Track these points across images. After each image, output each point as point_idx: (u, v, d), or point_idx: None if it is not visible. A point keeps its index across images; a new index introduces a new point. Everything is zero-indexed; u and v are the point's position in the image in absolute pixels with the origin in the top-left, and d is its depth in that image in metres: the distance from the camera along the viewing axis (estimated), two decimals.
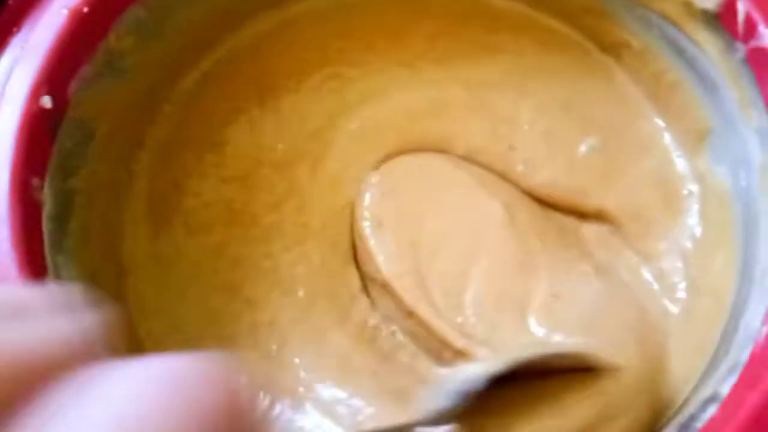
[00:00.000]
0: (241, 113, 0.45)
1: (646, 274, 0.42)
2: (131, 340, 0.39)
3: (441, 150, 0.45)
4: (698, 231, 0.42)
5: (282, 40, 0.47)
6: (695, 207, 0.43)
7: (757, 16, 0.36)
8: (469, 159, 0.44)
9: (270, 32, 0.47)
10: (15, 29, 0.37)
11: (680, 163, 0.44)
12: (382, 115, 0.45)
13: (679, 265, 0.41)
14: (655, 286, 0.41)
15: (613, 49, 0.46)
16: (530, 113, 0.45)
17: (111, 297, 0.37)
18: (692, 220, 0.43)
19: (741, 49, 0.37)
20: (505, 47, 0.47)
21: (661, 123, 0.45)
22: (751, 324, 0.33)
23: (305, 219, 0.43)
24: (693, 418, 0.32)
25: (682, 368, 0.38)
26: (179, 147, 0.44)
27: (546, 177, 0.44)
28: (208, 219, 0.43)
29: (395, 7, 0.48)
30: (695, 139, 0.43)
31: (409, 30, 0.47)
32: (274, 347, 0.40)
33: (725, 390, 0.31)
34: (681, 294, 0.41)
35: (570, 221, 0.44)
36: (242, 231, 0.43)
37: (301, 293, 0.41)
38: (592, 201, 0.43)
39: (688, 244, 0.42)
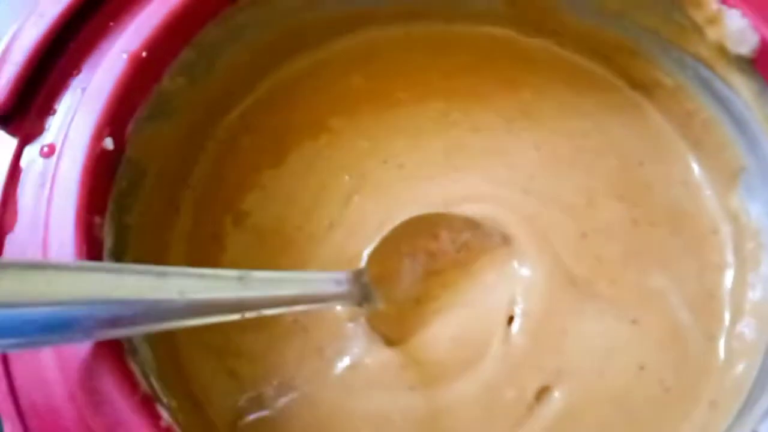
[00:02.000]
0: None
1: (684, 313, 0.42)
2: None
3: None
4: (732, 269, 0.43)
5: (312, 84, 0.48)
6: (728, 245, 0.44)
7: None
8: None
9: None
10: (75, 72, 0.38)
11: (712, 202, 0.45)
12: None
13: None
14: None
15: (644, 87, 0.48)
16: (555, 147, 0.46)
17: None
18: (725, 259, 0.43)
19: None
20: (531, 84, 0.48)
21: (693, 161, 0.46)
22: None
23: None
24: None
25: (723, 404, 0.38)
26: (218, 186, 0.46)
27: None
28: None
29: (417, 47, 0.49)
30: (728, 178, 0.44)
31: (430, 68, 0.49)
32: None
33: (764, 429, 0.31)
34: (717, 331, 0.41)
35: None
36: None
37: None
38: None
39: (725, 282, 0.43)
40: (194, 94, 0.43)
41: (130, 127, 0.38)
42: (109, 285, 0.30)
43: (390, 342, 0.40)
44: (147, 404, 0.31)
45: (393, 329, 0.41)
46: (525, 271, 0.42)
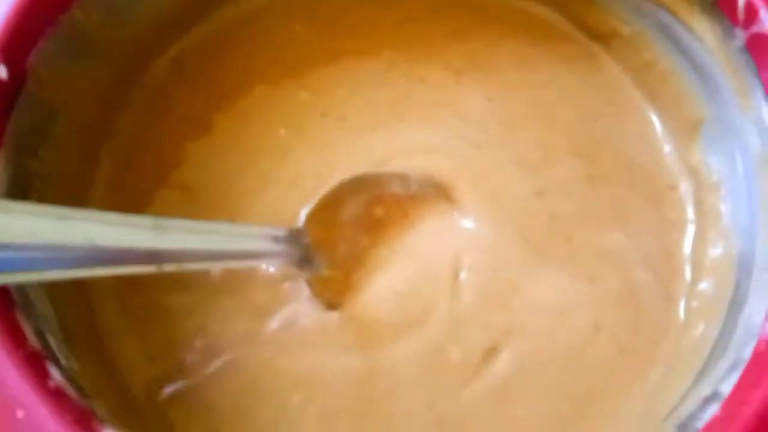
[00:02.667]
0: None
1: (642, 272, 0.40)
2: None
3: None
4: (692, 225, 0.41)
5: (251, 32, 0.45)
6: (688, 201, 0.41)
7: (758, 1, 0.34)
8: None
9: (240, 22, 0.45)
10: None
11: (671, 157, 0.43)
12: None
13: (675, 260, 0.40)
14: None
15: (601, 36, 0.45)
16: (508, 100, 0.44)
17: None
18: (685, 216, 0.41)
19: (740, 35, 0.36)
20: (485, 35, 0.46)
21: (652, 113, 0.44)
22: (750, 320, 0.32)
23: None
24: (692, 417, 0.30)
25: (680, 365, 0.36)
26: (149, 140, 0.42)
27: None
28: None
29: None
30: (688, 130, 0.41)
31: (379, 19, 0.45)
32: None
33: (726, 389, 0.29)
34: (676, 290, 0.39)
35: None
36: None
37: None
38: None
39: (685, 240, 0.41)
40: (118, 33, 0.39)
41: (32, 59, 0.34)
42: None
43: (331, 305, 0.38)
44: (33, 361, 0.27)
45: (336, 293, 0.38)
46: (470, 225, 0.39)
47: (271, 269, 0.38)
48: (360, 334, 0.37)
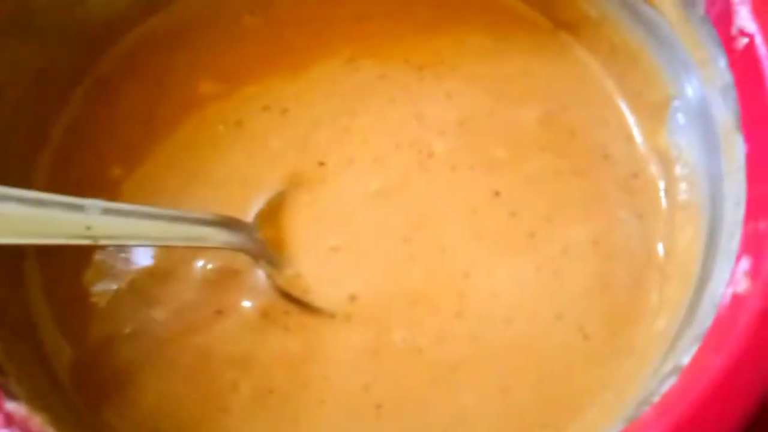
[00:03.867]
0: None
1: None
2: None
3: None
4: (663, 211, 0.39)
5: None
6: (658, 187, 0.40)
7: None
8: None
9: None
10: None
11: (640, 143, 0.41)
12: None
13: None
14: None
15: (569, 24, 0.44)
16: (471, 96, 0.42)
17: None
18: (656, 201, 0.40)
19: (700, 3, 0.34)
20: (450, 30, 0.44)
21: (619, 99, 0.42)
22: (715, 292, 0.30)
23: None
24: (651, 393, 0.28)
25: (650, 352, 0.35)
26: (94, 129, 0.41)
27: None
28: None
29: None
30: (656, 112, 0.40)
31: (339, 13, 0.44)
32: None
33: (686, 361, 0.27)
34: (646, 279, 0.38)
35: None
36: None
37: None
38: None
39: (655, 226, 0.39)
40: (65, 17, 0.39)
41: None
42: None
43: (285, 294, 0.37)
44: None
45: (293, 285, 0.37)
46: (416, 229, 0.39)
47: (209, 266, 0.37)
48: (305, 318, 0.36)
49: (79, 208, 0.31)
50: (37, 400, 0.28)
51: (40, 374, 0.33)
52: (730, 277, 0.28)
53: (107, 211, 0.31)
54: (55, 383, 0.34)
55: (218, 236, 0.34)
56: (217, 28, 0.44)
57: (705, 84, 0.35)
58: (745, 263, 0.27)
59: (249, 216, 0.38)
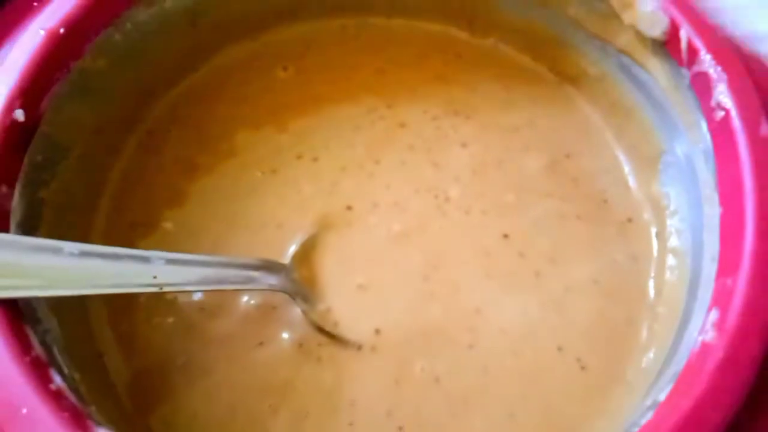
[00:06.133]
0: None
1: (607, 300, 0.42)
2: None
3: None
4: (653, 253, 0.43)
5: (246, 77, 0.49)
6: (651, 231, 0.44)
7: (698, 43, 0.38)
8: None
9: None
10: None
11: (635, 190, 0.45)
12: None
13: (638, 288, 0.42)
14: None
15: (572, 78, 0.48)
16: (484, 145, 0.47)
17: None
18: (648, 244, 0.44)
19: (686, 74, 0.39)
20: (464, 80, 0.49)
21: (618, 150, 0.46)
22: (691, 335, 0.34)
23: None
24: (634, 424, 0.32)
25: (640, 384, 0.39)
26: (144, 177, 0.45)
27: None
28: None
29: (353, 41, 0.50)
30: (650, 164, 0.44)
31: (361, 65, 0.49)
32: None
33: (662, 398, 0.31)
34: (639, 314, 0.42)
35: None
36: None
37: None
38: None
39: (646, 267, 0.43)
40: (119, 77, 0.43)
41: (46, 103, 0.38)
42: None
43: (320, 328, 0.41)
44: (38, 367, 0.31)
45: (326, 320, 0.41)
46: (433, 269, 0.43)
47: (252, 302, 0.41)
48: (335, 349, 0.40)
49: (146, 259, 0.35)
50: (111, 425, 0.33)
51: (109, 400, 0.37)
52: (701, 326, 0.32)
53: (170, 261, 0.36)
54: (122, 409, 0.38)
55: (264, 280, 0.39)
56: (253, 81, 0.48)
57: (691, 144, 0.39)
58: (714, 314, 0.31)
59: (284, 255, 0.42)
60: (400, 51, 0.50)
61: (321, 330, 0.41)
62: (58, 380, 0.31)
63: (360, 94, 0.48)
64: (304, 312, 0.41)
